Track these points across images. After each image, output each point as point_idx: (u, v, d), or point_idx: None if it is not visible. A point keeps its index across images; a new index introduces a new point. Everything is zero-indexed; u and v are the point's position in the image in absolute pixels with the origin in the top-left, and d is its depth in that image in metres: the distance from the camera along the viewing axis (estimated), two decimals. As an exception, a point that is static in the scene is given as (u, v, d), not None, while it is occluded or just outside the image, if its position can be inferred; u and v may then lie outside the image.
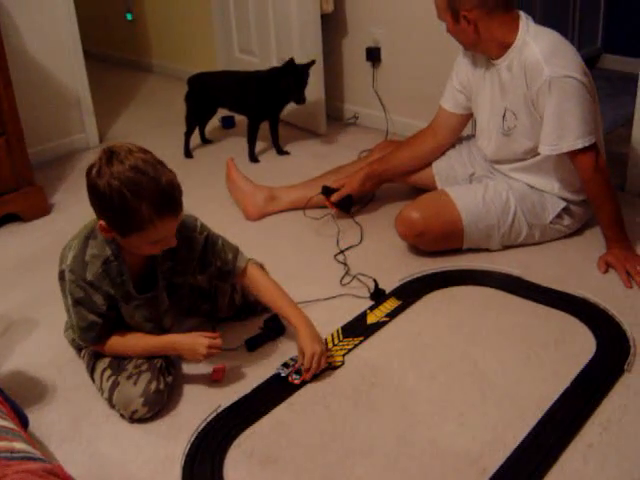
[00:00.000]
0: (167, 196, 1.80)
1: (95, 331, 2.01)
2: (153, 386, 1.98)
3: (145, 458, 1.88)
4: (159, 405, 2.00)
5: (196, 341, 2.03)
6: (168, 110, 4.55)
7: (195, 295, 2.31)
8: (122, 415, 1.99)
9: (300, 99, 3.51)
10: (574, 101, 2.42)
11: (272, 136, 3.79)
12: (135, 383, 1.98)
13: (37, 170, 3.35)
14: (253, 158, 3.71)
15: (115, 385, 2.00)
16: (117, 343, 2.05)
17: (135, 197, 1.75)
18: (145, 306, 2.06)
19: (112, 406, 2.02)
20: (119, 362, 2.05)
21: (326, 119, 3.97)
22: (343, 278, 2.60)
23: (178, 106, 4.60)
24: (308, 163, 3.55)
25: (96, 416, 2.03)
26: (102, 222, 1.85)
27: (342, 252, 2.75)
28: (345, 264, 2.68)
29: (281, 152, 3.80)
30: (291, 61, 3.45)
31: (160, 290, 2.08)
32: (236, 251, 2.20)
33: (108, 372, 2.04)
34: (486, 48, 2.55)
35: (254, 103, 3.67)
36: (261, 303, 2.32)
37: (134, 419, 1.98)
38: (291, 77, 3.47)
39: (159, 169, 1.81)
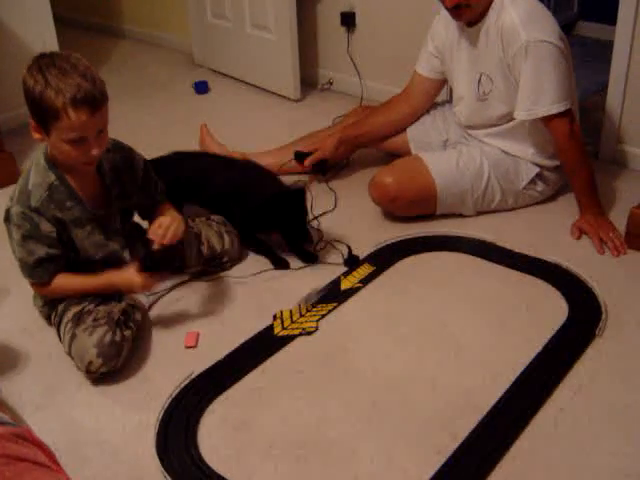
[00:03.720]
0: (84, 87, 1.83)
1: (42, 267, 2.04)
2: (108, 337, 1.98)
3: (119, 425, 1.88)
4: (115, 358, 1.99)
5: (132, 280, 2.07)
6: (140, 76, 4.50)
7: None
8: (79, 369, 2.00)
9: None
10: (550, 66, 2.41)
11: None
12: (90, 334, 1.98)
13: (7, 137, 3.29)
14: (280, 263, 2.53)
15: (73, 337, 2.01)
16: (61, 282, 2.08)
17: (51, 85, 1.82)
18: (97, 228, 2.10)
19: (72, 359, 2.03)
20: (80, 315, 2.05)
21: (300, 84, 3.93)
22: (317, 244, 2.59)
23: (150, 71, 4.57)
24: (282, 129, 3.53)
25: (69, 384, 2.03)
26: (32, 120, 1.92)
27: (316, 218, 2.74)
28: (319, 230, 2.67)
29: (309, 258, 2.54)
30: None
31: (114, 210, 2.14)
32: (163, 189, 2.29)
33: (69, 325, 2.04)
34: (477, 10, 2.48)
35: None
36: (227, 255, 2.44)
37: (91, 372, 1.98)
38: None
39: (83, 67, 1.87)
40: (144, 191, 2.23)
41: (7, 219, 2.02)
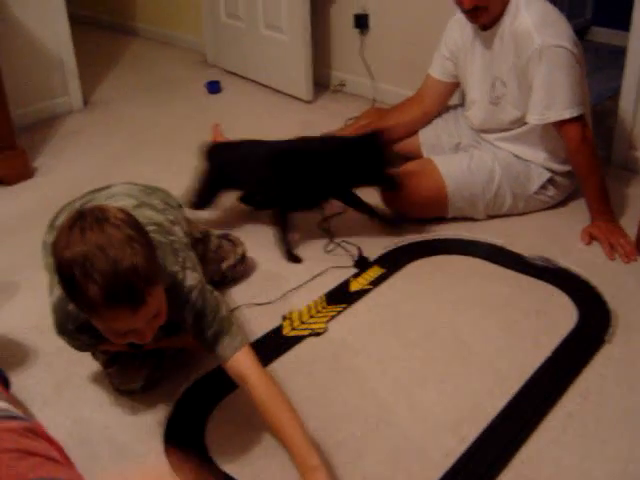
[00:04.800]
0: (123, 283, 1.41)
1: (87, 349, 1.93)
2: (157, 375, 1.98)
3: (128, 422, 1.88)
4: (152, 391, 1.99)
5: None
6: (152, 74, 4.52)
7: None
8: (113, 384, 1.98)
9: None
10: (564, 71, 2.41)
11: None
12: (141, 366, 1.95)
13: (20, 133, 3.31)
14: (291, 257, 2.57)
15: (117, 359, 1.97)
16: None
17: (83, 276, 1.40)
18: None
19: (107, 374, 1.99)
20: None
21: (312, 86, 3.93)
22: (327, 246, 2.59)
23: (162, 70, 4.58)
24: (293, 130, 3.51)
25: (78, 381, 2.03)
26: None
27: (326, 220, 2.74)
28: (329, 232, 2.67)
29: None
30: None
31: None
32: (221, 332, 1.73)
33: None
34: (493, 13, 2.48)
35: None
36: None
37: (121, 391, 1.97)
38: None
39: (125, 249, 1.42)
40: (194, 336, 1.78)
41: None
